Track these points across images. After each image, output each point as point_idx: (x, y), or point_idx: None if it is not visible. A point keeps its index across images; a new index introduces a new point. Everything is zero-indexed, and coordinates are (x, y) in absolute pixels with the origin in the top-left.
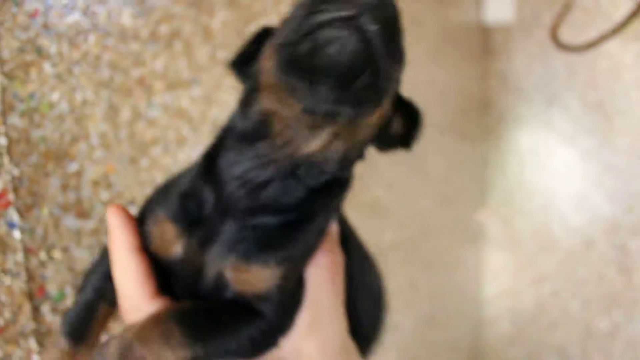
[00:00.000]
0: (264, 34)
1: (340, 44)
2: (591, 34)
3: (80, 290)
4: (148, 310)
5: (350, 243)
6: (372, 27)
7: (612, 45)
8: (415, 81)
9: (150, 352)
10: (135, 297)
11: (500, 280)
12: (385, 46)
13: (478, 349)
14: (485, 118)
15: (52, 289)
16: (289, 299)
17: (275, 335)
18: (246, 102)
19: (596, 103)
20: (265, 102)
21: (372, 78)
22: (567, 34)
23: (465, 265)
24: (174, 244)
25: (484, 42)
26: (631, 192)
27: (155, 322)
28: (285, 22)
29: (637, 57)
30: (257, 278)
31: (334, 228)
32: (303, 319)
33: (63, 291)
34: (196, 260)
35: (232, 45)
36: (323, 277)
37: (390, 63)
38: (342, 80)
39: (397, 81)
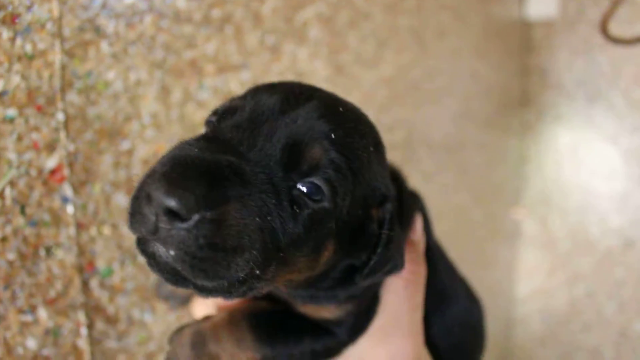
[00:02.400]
0: None
1: (156, 264)
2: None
3: None
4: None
5: (435, 256)
6: (169, 253)
7: None
8: (458, 75)
9: (223, 350)
10: None
11: (534, 279)
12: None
13: (508, 349)
14: (525, 114)
15: (100, 264)
16: (362, 318)
17: (341, 350)
18: None
19: None
20: None
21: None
22: (616, 29)
23: (498, 263)
24: None
25: (526, 38)
26: None
27: (229, 322)
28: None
29: None
30: (326, 312)
31: (419, 237)
32: (373, 327)
33: (111, 267)
34: None
35: (280, 31)
36: (399, 287)
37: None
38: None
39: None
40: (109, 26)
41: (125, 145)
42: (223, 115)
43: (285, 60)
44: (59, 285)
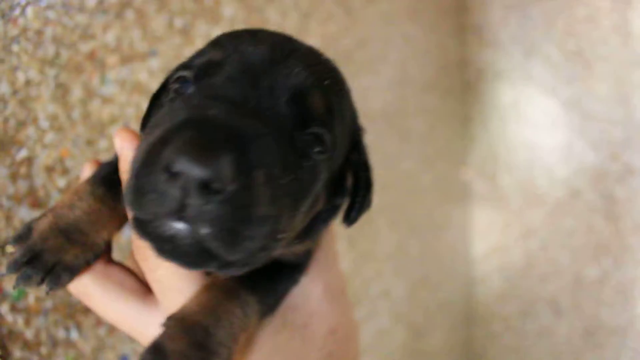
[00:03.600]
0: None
1: (175, 247)
2: None
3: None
4: None
5: None
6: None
7: None
8: (391, 41)
9: (233, 339)
10: None
11: (489, 237)
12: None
13: (471, 308)
14: (464, 74)
15: (9, 286)
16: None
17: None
18: None
19: (576, 51)
20: None
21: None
22: None
23: (453, 225)
24: None
25: None
26: (615, 140)
27: (227, 295)
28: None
29: (615, 1)
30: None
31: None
32: (311, 269)
33: (23, 288)
34: None
35: (190, 11)
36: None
37: (233, 238)
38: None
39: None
40: None
41: (22, 153)
42: (205, 69)
43: (198, 42)
44: None
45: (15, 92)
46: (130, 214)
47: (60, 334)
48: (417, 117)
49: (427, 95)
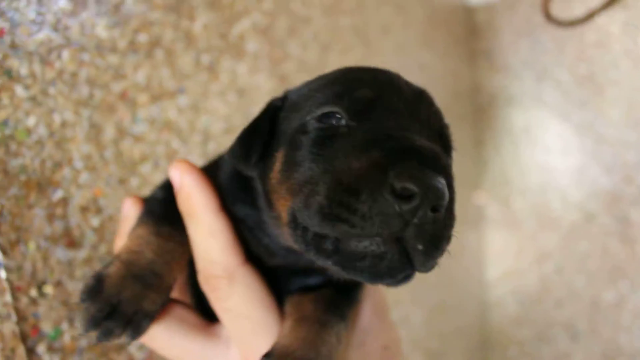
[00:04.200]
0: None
1: (382, 262)
2: (579, 7)
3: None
4: (240, 275)
5: None
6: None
7: (598, 16)
8: (406, 69)
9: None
10: (226, 263)
11: (503, 261)
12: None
13: (486, 332)
14: (476, 99)
15: (46, 327)
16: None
17: None
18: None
19: (587, 75)
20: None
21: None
22: (556, 9)
23: (467, 249)
24: None
25: (469, 23)
26: (628, 163)
27: (321, 327)
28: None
29: (625, 26)
30: None
31: None
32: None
33: (59, 328)
34: None
35: (216, 48)
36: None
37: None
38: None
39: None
40: (22, 67)
41: (58, 194)
42: (362, 106)
43: (224, 78)
44: None
45: (51, 134)
46: (306, 239)
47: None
48: None
49: None
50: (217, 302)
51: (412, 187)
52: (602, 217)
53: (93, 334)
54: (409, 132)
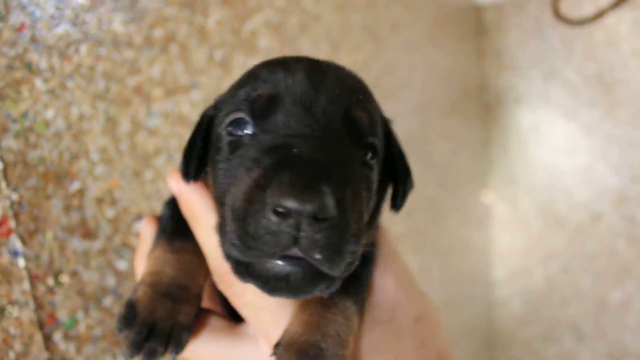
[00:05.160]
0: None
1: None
2: (588, 6)
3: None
4: None
5: None
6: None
7: (607, 15)
8: (415, 67)
9: (343, 345)
10: None
11: (510, 260)
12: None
13: (492, 332)
14: (484, 98)
15: (62, 315)
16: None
17: None
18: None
19: (595, 75)
20: None
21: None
22: (566, 7)
23: (474, 248)
24: None
25: (478, 22)
26: (636, 162)
27: (325, 307)
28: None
29: (634, 26)
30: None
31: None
32: (378, 264)
33: (74, 317)
34: None
35: (228, 44)
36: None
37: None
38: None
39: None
40: (42, 61)
41: (74, 186)
42: (260, 108)
43: (236, 73)
44: (18, 346)
45: (69, 127)
46: (229, 262)
47: None
48: (439, 142)
49: (448, 120)
50: (235, 298)
51: (287, 203)
52: (609, 216)
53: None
54: (297, 137)
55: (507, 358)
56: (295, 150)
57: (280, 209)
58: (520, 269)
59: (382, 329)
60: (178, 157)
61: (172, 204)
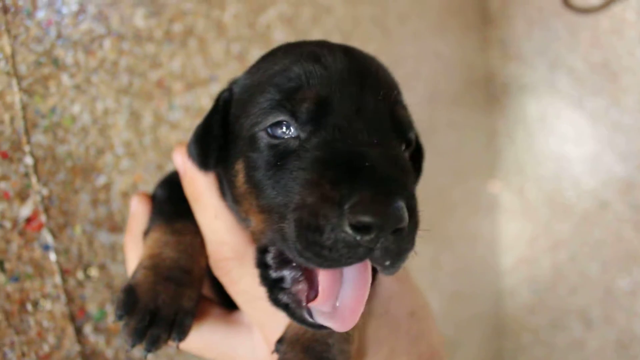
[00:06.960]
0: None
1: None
2: None
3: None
4: (250, 255)
5: None
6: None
7: (614, 3)
8: (423, 57)
9: (349, 341)
10: (233, 243)
11: (517, 249)
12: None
13: (501, 320)
14: (490, 87)
15: (92, 308)
16: None
17: None
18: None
19: (601, 63)
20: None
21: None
22: None
23: (481, 237)
24: None
25: (483, 11)
26: None
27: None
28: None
29: (639, 13)
30: None
31: None
32: None
33: (103, 309)
34: None
35: (245, 37)
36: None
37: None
38: None
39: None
40: (68, 56)
41: (101, 180)
42: (308, 109)
43: None
44: (51, 339)
45: (95, 121)
46: (266, 281)
47: (136, 353)
48: (446, 132)
49: (455, 109)
50: (231, 285)
51: (368, 219)
52: (616, 204)
53: (140, 347)
54: (357, 142)
55: (516, 346)
56: (367, 163)
57: (361, 225)
58: (528, 258)
59: (377, 322)
60: None
61: (169, 184)
